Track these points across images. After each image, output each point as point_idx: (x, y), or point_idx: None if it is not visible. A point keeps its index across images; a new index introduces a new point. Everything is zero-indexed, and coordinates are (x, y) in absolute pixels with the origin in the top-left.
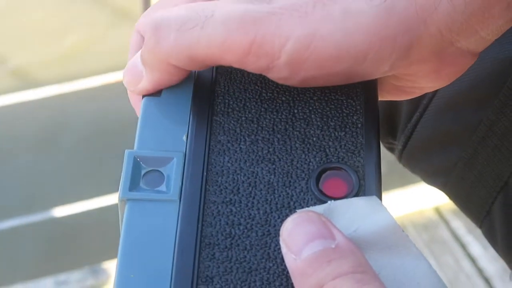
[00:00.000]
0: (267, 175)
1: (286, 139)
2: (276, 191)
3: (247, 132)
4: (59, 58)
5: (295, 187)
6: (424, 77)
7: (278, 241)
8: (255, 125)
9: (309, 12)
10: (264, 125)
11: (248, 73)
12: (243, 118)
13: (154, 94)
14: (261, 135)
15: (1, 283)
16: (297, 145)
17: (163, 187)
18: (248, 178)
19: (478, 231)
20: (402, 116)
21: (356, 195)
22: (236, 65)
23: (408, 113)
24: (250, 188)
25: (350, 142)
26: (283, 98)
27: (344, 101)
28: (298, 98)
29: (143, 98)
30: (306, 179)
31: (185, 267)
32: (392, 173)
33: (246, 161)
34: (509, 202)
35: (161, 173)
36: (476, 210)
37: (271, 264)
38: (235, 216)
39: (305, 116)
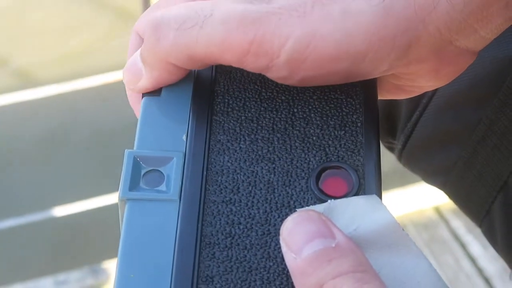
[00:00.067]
0: (267, 174)
1: (286, 138)
2: (276, 190)
3: (246, 132)
4: (61, 58)
5: (295, 186)
6: (423, 76)
7: (278, 240)
8: (255, 125)
9: (308, 12)
10: (263, 124)
11: (248, 72)
12: (242, 117)
13: (154, 93)
14: (261, 134)
15: (0, 283)
16: (297, 144)
17: (163, 187)
18: (248, 177)
19: (478, 231)
20: (402, 116)
21: (356, 194)
22: (235, 65)
23: (407, 112)
24: (250, 187)
25: (350, 141)
26: (283, 98)
27: (344, 100)
28: (297, 97)
29: (143, 98)
30: (306, 178)
31: (185, 266)
32: (392, 173)
33: (246, 160)
34: (509, 202)
35: (161, 172)
36: (476, 210)
37: (271, 264)
38: (235, 215)
39: (304, 115)
